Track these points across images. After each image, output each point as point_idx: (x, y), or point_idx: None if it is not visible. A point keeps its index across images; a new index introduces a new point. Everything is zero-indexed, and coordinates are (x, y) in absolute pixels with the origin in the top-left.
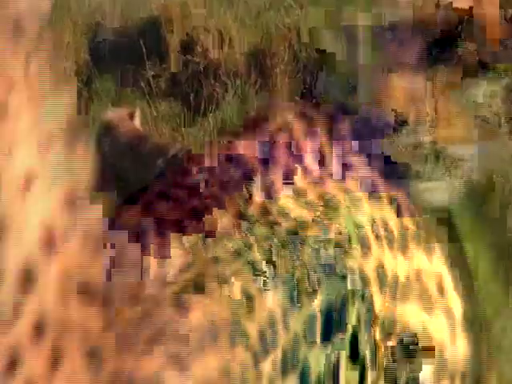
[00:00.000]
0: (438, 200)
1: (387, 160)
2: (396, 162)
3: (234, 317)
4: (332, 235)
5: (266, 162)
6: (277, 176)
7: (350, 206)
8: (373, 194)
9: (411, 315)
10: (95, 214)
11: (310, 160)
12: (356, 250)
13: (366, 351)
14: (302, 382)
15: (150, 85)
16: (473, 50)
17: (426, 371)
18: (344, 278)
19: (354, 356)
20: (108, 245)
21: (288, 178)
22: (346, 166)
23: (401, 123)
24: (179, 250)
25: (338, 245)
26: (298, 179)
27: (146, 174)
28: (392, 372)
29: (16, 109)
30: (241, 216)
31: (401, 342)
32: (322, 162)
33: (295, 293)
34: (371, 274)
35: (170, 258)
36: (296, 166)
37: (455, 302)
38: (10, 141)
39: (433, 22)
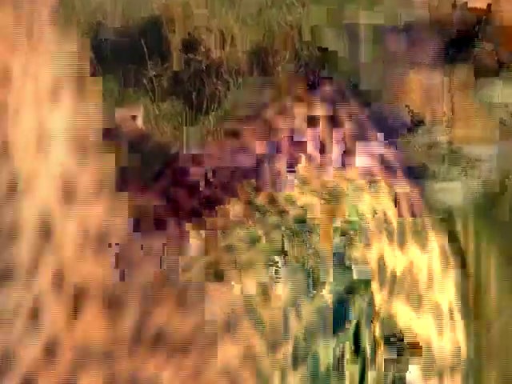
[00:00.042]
0: (452, 200)
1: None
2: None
3: (250, 305)
4: (338, 223)
5: (271, 149)
6: (281, 164)
7: (353, 194)
8: (373, 182)
9: (400, 311)
10: (108, 161)
11: (312, 148)
12: (360, 239)
13: (366, 345)
14: (312, 373)
15: (153, 83)
16: (490, 49)
17: (413, 370)
18: (349, 268)
19: (356, 349)
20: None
21: (292, 167)
22: (348, 153)
23: (417, 123)
24: (196, 239)
25: (343, 234)
26: (302, 167)
27: (148, 172)
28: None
29: (21, 70)
30: (251, 205)
31: (387, 339)
32: (323, 150)
33: (307, 282)
34: (374, 265)
35: (189, 245)
36: (300, 154)
37: (444, 296)
38: (17, 102)
39: (449, 22)
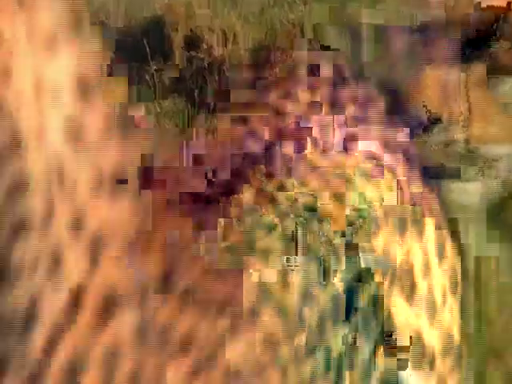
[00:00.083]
0: (468, 201)
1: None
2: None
3: (270, 292)
4: (348, 211)
5: (278, 134)
6: (289, 149)
7: (360, 181)
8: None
9: (397, 306)
10: (114, 97)
11: (317, 133)
12: (369, 227)
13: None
14: (324, 361)
15: (154, 79)
16: (507, 48)
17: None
18: (357, 256)
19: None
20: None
21: (299, 152)
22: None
23: (434, 121)
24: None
25: (350, 223)
26: (309, 153)
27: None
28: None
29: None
30: (263, 192)
31: (387, 336)
32: (327, 135)
33: (321, 270)
34: (380, 254)
35: (216, 231)
36: (307, 139)
37: (438, 285)
38: (7, 61)
39: (466, 21)
